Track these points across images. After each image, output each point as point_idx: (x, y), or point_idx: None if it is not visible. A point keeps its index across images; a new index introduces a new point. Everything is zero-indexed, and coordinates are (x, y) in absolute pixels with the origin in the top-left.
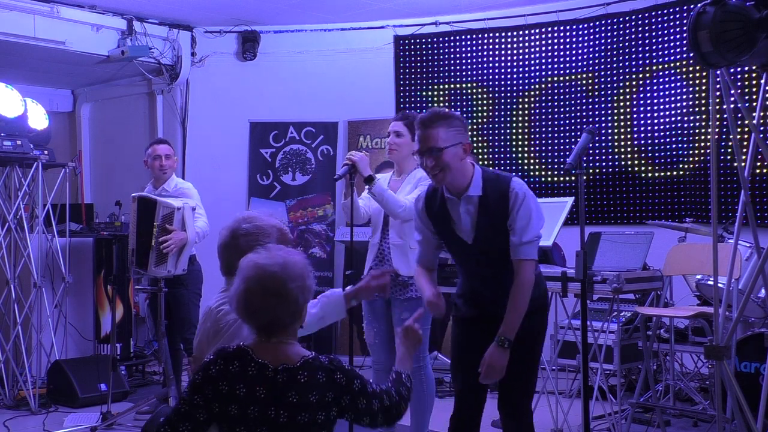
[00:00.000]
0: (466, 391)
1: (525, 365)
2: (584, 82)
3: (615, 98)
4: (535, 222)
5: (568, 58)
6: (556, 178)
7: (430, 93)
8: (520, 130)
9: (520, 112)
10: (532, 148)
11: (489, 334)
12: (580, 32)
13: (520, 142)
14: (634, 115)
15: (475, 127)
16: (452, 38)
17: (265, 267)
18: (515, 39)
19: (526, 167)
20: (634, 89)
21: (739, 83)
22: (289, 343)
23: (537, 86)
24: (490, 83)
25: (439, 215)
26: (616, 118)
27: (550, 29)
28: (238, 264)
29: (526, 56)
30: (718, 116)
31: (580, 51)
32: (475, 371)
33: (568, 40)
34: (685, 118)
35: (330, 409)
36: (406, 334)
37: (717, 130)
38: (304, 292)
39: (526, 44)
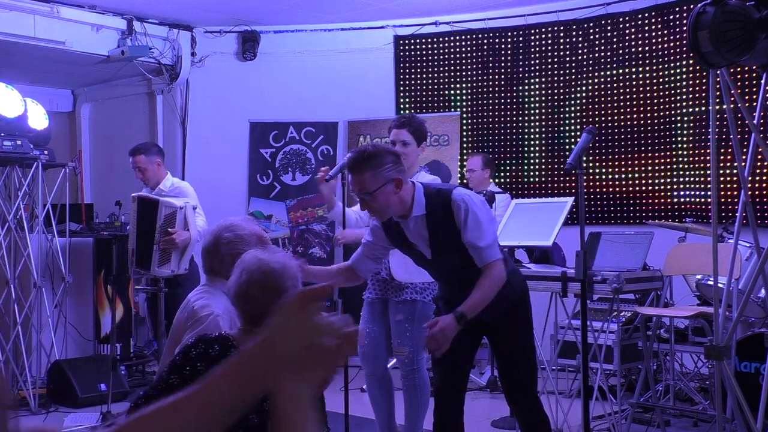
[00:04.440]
0: (446, 388)
1: (520, 357)
2: (584, 82)
3: (615, 98)
4: (486, 226)
5: (568, 58)
6: (556, 178)
7: (430, 93)
8: (520, 130)
9: (520, 112)
10: (531, 148)
11: (467, 333)
12: (580, 32)
13: (520, 142)
14: (634, 115)
15: (475, 126)
16: (452, 38)
17: (268, 263)
18: (515, 39)
19: (526, 167)
20: (634, 89)
21: (739, 83)
22: None
23: (537, 86)
24: (490, 83)
25: (397, 236)
26: (615, 118)
27: (550, 29)
28: (236, 261)
29: (527, 56)
30: (718, 116)
31: (580, 51)
32: (453, 369)
33: (568, 40)
34: (685, 118)
35: None
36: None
37: (717, 130)
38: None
39: (526, 44)
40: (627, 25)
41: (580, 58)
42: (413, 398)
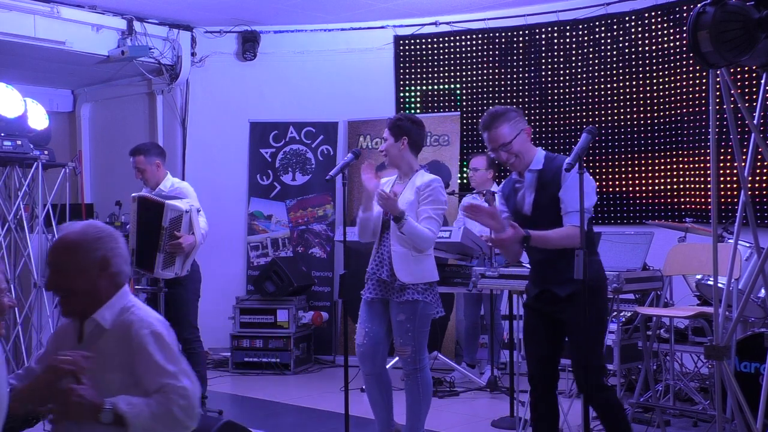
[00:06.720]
0: (538, 380)
1: (585, 344)
2: (584, 82)
3: (615, 98)
4: (579, 195)
5: (567, 58)
6: None
7: (430, 93)
8: None
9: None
10: None
11: (550, 321)
12: (580, 32)
13: None
14: (634, 115)
15: (475, 126)
16: (452, 38)
17: None
18: (515, 39)
19: None
20: (634, 89)
21: (739, 83)
22: None
23: (537, 86)
24: (490, 83)
25: (509, 196)
26: (615, 118)
27: (550, 29)
28: None
29: (527, 56)
30: (718, 116)
31: (580, 51)
32: (542, 361)
33: (568, 40)
34: (685, 119)
35: None
36: None
37: (717, 130)
38: None
39: (527, 44)
40: (627, 25)
41: (580, 57)
42: (415, 398)
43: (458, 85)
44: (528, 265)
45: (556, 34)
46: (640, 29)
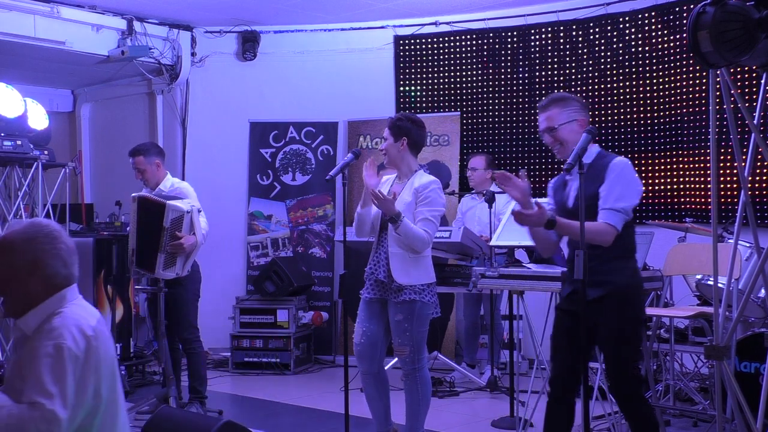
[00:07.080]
0: (560, 377)
1: (619, 350)
2: (584, 81)
3: (615, 98)
4: (623, 194)
5: (567, 58)
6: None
7: (430, 93)
8: (520, 130)
9: (520, 112)
10: (532, 148)
11: (572, 326)
12: (580, 32)
13: (520, 142)
14: (634, 115)
15: (475, 126)
16: (452, 38)
17: None
18: (515, 39)
19: (526, 167)
20: (634, 89)
21: (739, 83)
22: None
23: (537, 86)
24: (490, 83)
25: (558, 189)
26: (615, 118)
27: (550, 29)
28: None
29: (527, 56)
30: (718, 116)
31: (579, 51)
32: (566, 360)
33: (568, 40)
34: (685, 119)
35: None
36: None
37: (717, 130)
38: None
39: (526, 44)
40: (627, 25)
41: (580, 58)
42: (415, 398)
43: (458, 85)
44: (528, 265)
45: (556, 35)
46: (639, 29)
